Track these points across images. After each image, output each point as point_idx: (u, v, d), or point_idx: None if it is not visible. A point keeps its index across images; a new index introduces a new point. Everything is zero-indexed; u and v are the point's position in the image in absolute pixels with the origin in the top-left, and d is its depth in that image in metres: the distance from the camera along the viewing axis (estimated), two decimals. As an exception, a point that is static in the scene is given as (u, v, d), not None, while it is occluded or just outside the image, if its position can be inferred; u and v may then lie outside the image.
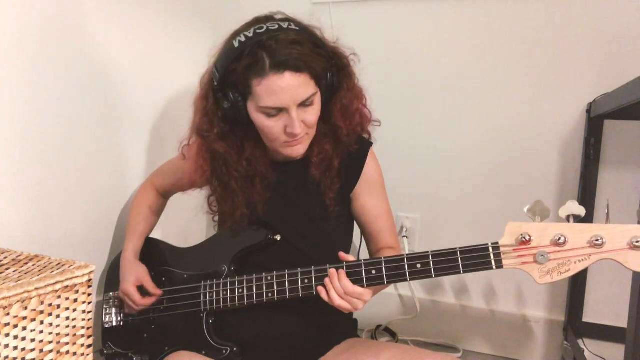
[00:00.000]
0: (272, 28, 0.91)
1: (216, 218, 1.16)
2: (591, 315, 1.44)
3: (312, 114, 0.96)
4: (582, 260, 0.79)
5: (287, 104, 0.91)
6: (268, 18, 0.97)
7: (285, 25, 0.92)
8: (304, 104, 0.94)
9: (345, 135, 1.04)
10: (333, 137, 1.04)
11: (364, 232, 1.15)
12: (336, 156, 1.05)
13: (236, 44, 0.92)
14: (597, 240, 0.78)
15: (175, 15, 1.54)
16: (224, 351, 1.03)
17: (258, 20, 0.96)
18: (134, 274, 1.11)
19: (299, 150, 0.99)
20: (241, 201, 1.05)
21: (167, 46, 1.52)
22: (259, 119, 0.95)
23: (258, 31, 0.91)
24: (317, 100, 0.97)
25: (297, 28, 0.93)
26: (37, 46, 1.11)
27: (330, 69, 0.97)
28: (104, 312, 1.18)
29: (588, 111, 1.37)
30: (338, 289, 0.90)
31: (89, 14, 1.23)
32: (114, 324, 1.16)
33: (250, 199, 1.05)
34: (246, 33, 0.92)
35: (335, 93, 1.00)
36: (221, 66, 0.95)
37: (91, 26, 1.24)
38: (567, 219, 0.81)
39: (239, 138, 1.02)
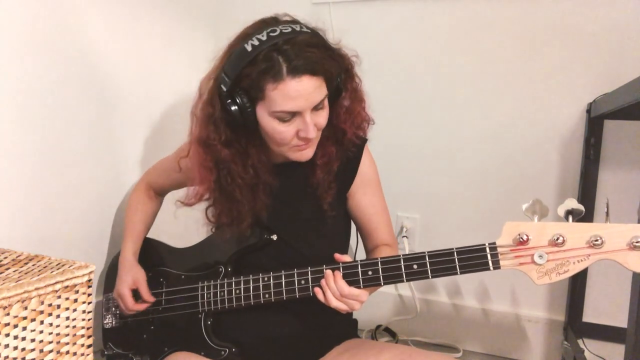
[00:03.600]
0: (286, 31, 0.88)
1: (214, 229, 1.13)
2: (591, 315, 1.44)
3: (323, 116, 0.95)
4: (581, 260, 0.78)
5: (302, 108, 0.90)
6: (276, 20, 0.94)
7: (297, 28, 0.90)
8: (317, 107, 0.92)
9: (347, 138, 1.03)
10: (335, 140, 1.04)
11: (360, 229, 1.15)
12: (337, 159, 1.04)
13: (249, 48, 0.88)
14: (596, 240, 0.77)
15: (175, 15, 1.55)
16: (223, 352, 1.03)
17: (266, 23, 0.93)
18: (131, 276, 1.10)
19: (308, 154, 0.98)
20: (247, 211, 1.02)
21: (166, 46, 1.52)
22: (271, 123, 0.93)
23: (272, 34, 0.88)
24: (327, 102, 0.96)
25: (309, 31, 0.92)
26: (35, 46, 1.11)
27: (339, 71, 0.96)
28: (103, 313, 1.18)
29: (588, 111, 1.37)
30: (334, 291, 0.89)
31: (87, 13, 1.24)
32: (114, 324, 1.16)
33: (254, 208, 1.03)
34: (259, 36, 0.88)
35: (340, 95, 0.99)
36: (232, 71, 0.91)
37: (88, 26, 1.25)
38: (566, 217, 0.80)
39: (242, 144, 1.00)
